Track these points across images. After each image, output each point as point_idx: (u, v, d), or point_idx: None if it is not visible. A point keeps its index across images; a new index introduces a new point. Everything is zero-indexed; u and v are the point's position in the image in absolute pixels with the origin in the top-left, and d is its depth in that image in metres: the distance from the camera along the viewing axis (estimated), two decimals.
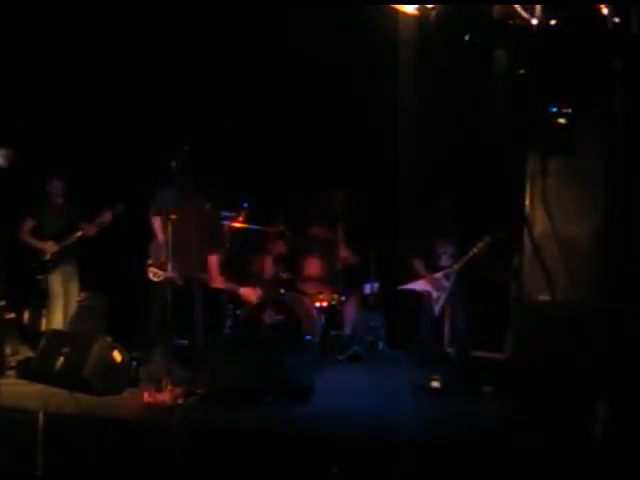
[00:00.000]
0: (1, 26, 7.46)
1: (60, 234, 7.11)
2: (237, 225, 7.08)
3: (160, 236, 6.49)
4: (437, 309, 6.63)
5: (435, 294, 6.66)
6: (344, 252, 7.76)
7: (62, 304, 7.10)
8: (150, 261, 6.53)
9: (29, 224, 7.16)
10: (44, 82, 7.76)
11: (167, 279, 6.15)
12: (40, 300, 7.26)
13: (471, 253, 6.50)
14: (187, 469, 4.49)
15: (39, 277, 7.07)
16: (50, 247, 7.10)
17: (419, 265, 6.80)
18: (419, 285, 6.82)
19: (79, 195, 7.29)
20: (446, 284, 6.61)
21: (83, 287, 7.35)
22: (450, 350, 6.86)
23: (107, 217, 7.09)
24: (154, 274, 6.51)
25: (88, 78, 7.93)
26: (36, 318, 7.36)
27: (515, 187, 5.68)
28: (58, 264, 7.12)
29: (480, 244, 6.42)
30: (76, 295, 7.22)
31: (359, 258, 7.91)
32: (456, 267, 6.59)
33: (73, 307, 7.21)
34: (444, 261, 6.76)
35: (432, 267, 6.75)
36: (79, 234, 7.14)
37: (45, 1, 7.68)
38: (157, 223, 6.55)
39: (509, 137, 6.01)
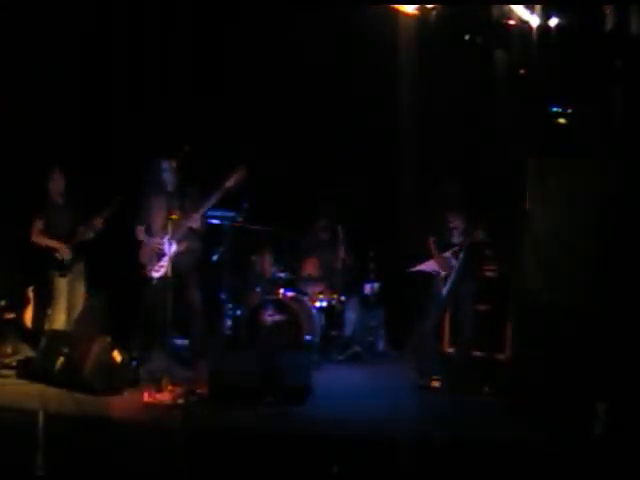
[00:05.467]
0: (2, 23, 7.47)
1: (64, 235, 7.07)
2: (237, 225, 7.07)
3: (145, 240, 6.69)
4: (445, 290, 6.51)
5: (443, 274, 6.52)
6: (343, 253, 7.74)
7: (66, 304, 7.06)
8: (148, 267, 6.62)
9: (40, 225, 7.03)
10: (44, 81, 7.76)
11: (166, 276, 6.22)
12: (42, 300, 7.25)
13: (479, 230, 6.34)
14: (187, 469, 4.49)
15: (60, 274, 7.00)
16: (65, 250, 7.02)
17: (433, 244, 6.61)
18: (428, 266, 6.64)
19: (77, 195, 7.26)
20: (454, 263, 6.48)
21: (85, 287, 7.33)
22: (451, 350, 6.82)
23: (108, 212, 7.05)
24: (156, 271, 6.58)
25: (90, 77, 7.93)
26: (38, 318, 7.36)
27: (515, 187, 5.69)
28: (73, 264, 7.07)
29: (475, 235, 6.30)
30: (82, 296, 7.18)
31: (354, 259, 7.87)
32: (465, 243, 6.44)
33: (79, 308, 7.17)
34: (455, 237, 6.62)
35: (444, 244, 6.56)
36: (89, 234, 7.08)
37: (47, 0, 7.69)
38: (141, 232, 6.75)
39: (509, 137, 6.02)
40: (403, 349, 7.56)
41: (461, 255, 6.41)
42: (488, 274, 6.73)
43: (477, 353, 6.57)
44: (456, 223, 6.57)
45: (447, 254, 6.51)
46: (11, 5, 7.40)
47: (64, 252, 6.97)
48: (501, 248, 6.50)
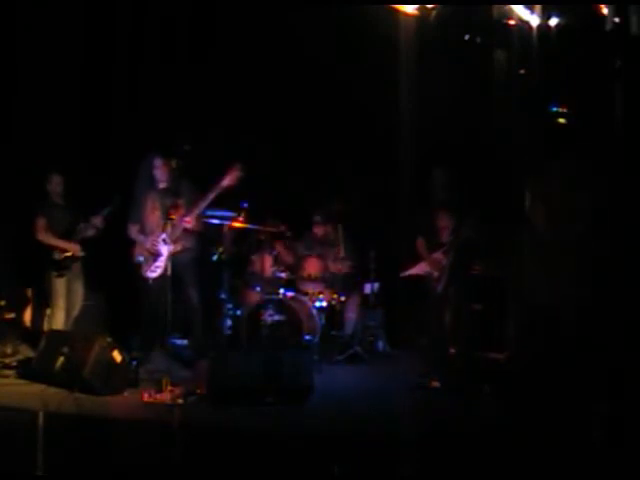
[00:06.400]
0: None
1: (64, 234, 7.07)
2: (237, 225, 7.08)
3: (140, 239, 6.70)
4: (440, 288, 6.55)
5: (436, 274, 6.60)
6: (343, 252, 7.74)
7: (64, 304, 7.06)
8: (143, 268, 6.61)
9: (43, 222, 7.02)
10: (42, 81, 7.77)
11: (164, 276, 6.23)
12: (41, 300, 7.25)
13: (466, 227, 6.39)
14: (187, 469, 4.49)
15: (58, 273, 6.99)
16: (76, 249, 7.03)
17: (421, 246, 6.74)
18: (419, 268, 6.75)
19: (77, 195, 7.26)
20: (445, 262, 6.55)
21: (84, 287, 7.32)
22: (452, 350, 6.80)
23: (108, 211, 7.05)
24: (151, 271, 6.58)
25: (89, 76, 7.93)
26: (38, 318, 7.36)
27: (515, 186, 5.69)
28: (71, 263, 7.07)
29: (471, 217, 6.34)
30: (81, 296, 7.18)
31: (352, 265, 7.86)
32: (454, 240, 6.50)
33: (77, 308, 7.18)
34: (445, 237, 6.68)
35: (433, 244, 6.67)
36: (90, 232, 7.08)
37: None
38: (134, 230, 6.77)
39: (509, 137, 6.02)
40: (404, 349, 7.58)
41: (451, 254, 6.46)
42: (481, 273, 6.75)
43: (477, 353, 6.58)
44: (445, 222, 6.63)
45: (437, 254, 6.57)
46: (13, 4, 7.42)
47: (75, 250, 6.98)
48: (498, 247, 6.51)
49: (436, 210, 6.72)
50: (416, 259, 6.87)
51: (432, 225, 6.71)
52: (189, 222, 6.56)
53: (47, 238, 6.96)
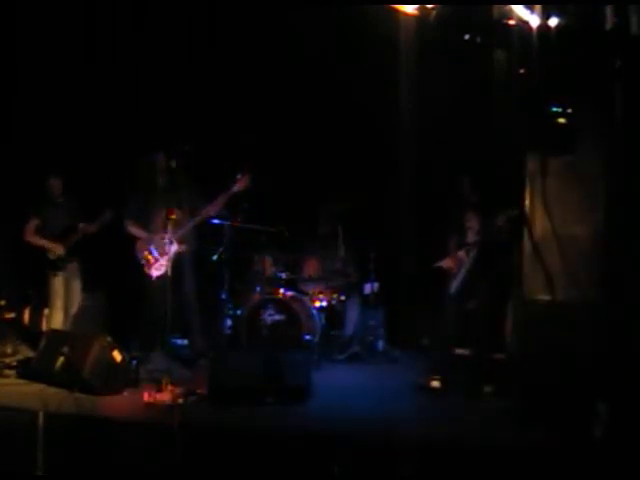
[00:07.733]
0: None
1: (61, 233, 7.10)
2: (237, 225, 7.08)
3: (143, 234, 6.73)
4: (454, 286, 6.59)
5: (455, 271, 6.66)
6: (343, 253, 7.74)
7: (63, 304, 7.09)
8: (148, 265, 6.62)
9: (34, 224, 7.10)
10: (42, 81, 7.77)
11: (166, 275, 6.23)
12: (41, 300, 7.27)
13: (489, 229, 6.44)
14: (187, 469, 4.49)
15: (53, 273, 7.03)
16: (59, 249, 7.08)
17: (452, 243, 6.87)
18: (445, 263, 6.84)
19: (78, 193, 7.29)
20: (466, 261, 6.62)
21: (83, 287, 7.34)
22: (461, 351, 6.78)
23: (107, 217, 7.10)
24: (156, 269, 6.59)
25: (87, 76, 7.93)
26: (37, 318, 7.37)
27: (515, 187, 5.69)
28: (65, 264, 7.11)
29: (497, 221, 6.37)
30: (78, 295, 7.21)
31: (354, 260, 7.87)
32: (476, 242, 6.57)
33: (75, 307, 7.20)
34: (470, 237, 6.75)
35: (460, 244, 6.77)
36: (79, 234, 7.13)
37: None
38: (134, 229, 6.81)
39: (509, 137, 6.02)
40: (404, 349, 7.57)
41: (471, 254, 6.52)
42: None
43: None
44: (472, 223, 6.71)
45: (460, 253, 6.64)
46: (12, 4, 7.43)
47: (57, 250, 7.04)
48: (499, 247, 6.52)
49: (466, 211, 6.81)
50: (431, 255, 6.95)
51: (461, 226, 6.80)
52: (213, 211, 6.71)
53: (35, 240, 7.05)
